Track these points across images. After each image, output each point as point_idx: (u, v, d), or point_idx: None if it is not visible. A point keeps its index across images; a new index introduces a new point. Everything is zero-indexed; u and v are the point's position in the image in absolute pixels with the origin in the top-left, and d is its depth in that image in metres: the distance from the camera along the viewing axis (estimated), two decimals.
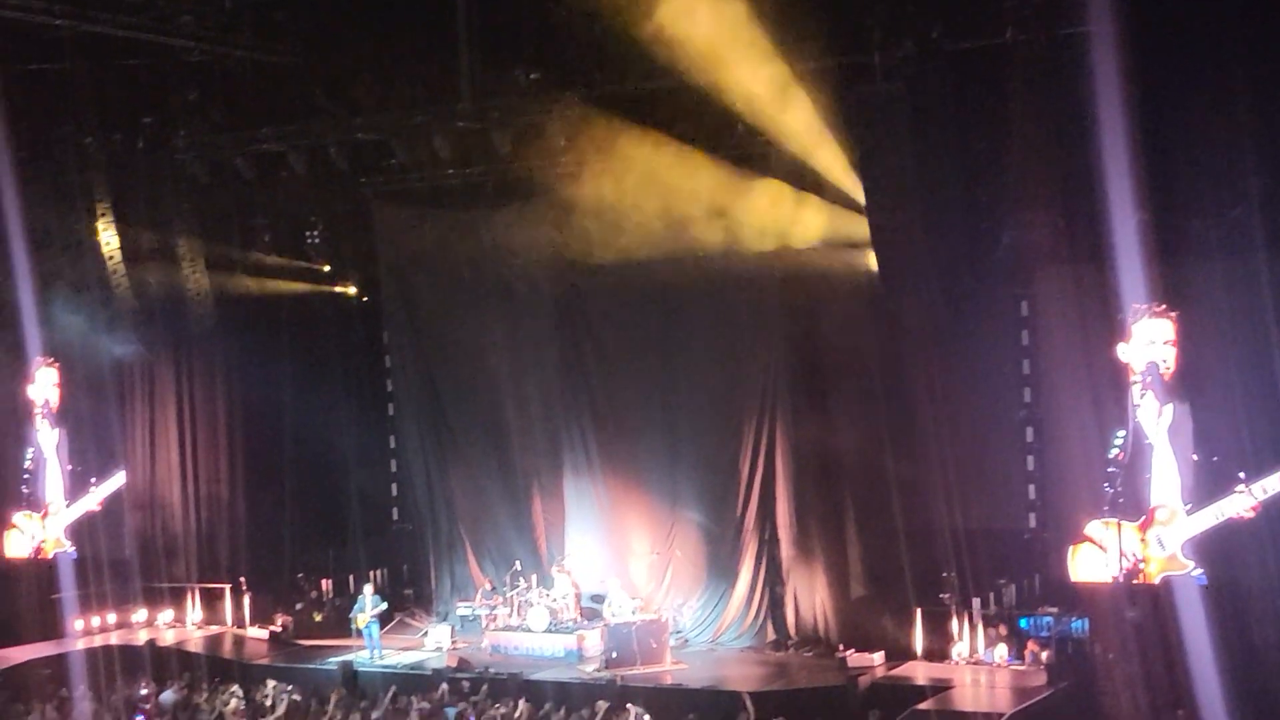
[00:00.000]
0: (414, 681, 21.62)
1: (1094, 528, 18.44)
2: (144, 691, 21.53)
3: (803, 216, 22.05)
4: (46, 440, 26.36)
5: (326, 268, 28.54)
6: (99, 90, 23.51)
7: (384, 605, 23.99)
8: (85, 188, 24.56)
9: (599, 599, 23.91)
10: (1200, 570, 17.89)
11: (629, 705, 18.69)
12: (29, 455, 26.25)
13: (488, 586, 25.11)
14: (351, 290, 29.01)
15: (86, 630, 25.26)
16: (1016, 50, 18.51)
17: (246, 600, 26.38)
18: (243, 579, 26.65)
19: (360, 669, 22.45)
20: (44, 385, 26.12)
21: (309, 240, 27.93)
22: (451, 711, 19.00)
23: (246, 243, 27.28)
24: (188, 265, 25.51)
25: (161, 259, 25.29)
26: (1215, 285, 18.30)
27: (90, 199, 24.54)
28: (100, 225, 24.59)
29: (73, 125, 24.13)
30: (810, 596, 23.04)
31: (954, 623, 20.78)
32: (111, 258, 24.72)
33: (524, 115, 22.30)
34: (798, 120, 20.54)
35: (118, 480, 26.82)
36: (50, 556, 25.85)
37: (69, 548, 25.99)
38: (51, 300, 24.81)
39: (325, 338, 28.39)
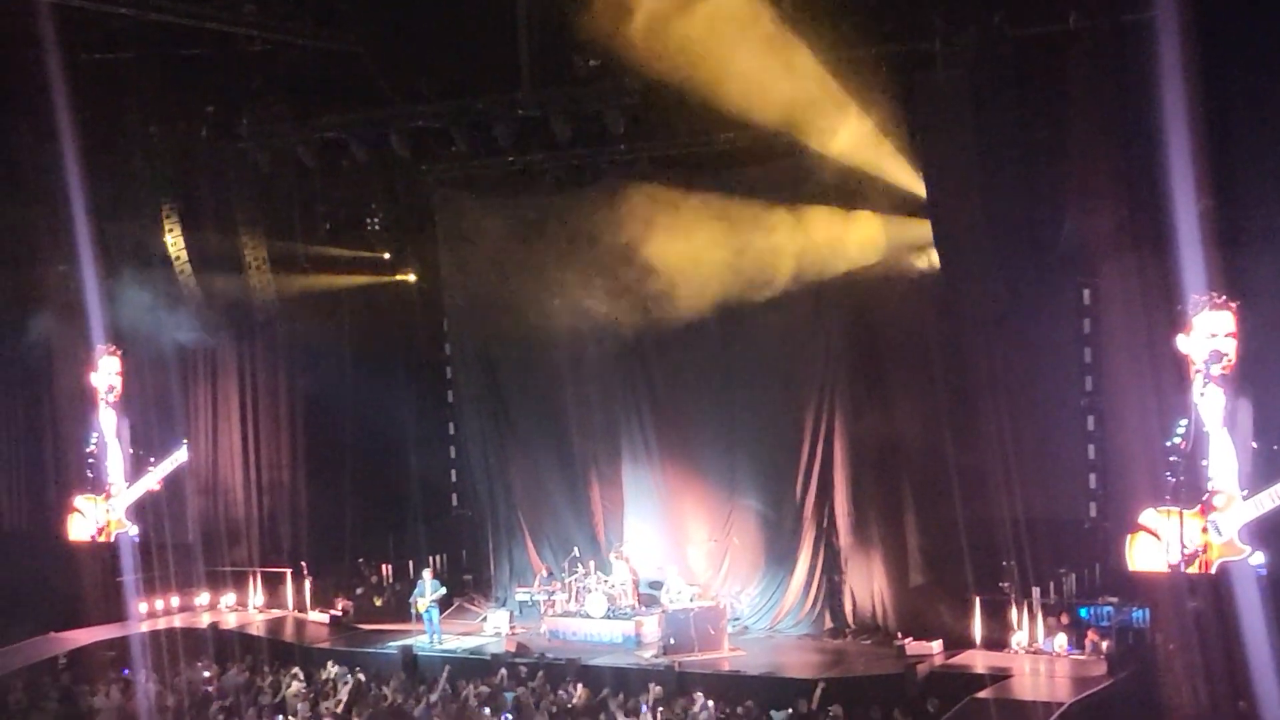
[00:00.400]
0: (473, 666, 21.81)
1: (1150, 516, 18.24)
2: (206, 674, 21.83)
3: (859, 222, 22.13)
4: (109, 425, 26.61)
5: (387, 255, 28.69)
6: (163, 80, 23.78)
7: (443, 590, 24.19)
8: (149, 177, 24.86)
9: (657, 585, 23.99)
10: (1260, 556, 17.64)
11: (696, 694, 18.73)
12: (92, 440, 26.49)
13: (545, 572, 25.22)
14: (412, 278, 29.13)
15: (150, 613, 25.59)
16: (1079, 37, 18.40)
17: (308, 584, 26.68)
18: (304, 563, 26.95)
19: (420, 653, 22.63)
20: (107, 372, 26.32)
21: (370, 228, 28.15)
22: (509, 696, 19.12)
23: (308, 231, 27.50)
24: (250, 254, 25.73)
25: (224, 248, 25.46)
26: (1277, 275, 18.09)
27: (154, 189, 24.81)
28: (165, 214, 24.84)
29: (138, 114, 24.39)
30: (868, 584, 23.00)
31: (1013, 612, 20.69)
32: (176, 246, 24.97)
33: (584, 103, 22.31)
34: (856, 119, 20.45)
35: (179, 457, 27.07)
36: (113, 539, 26.08)
37: (131, 530, 26.23)
38: (116, 288, 25.05)
39: (386, 325, 28.56)
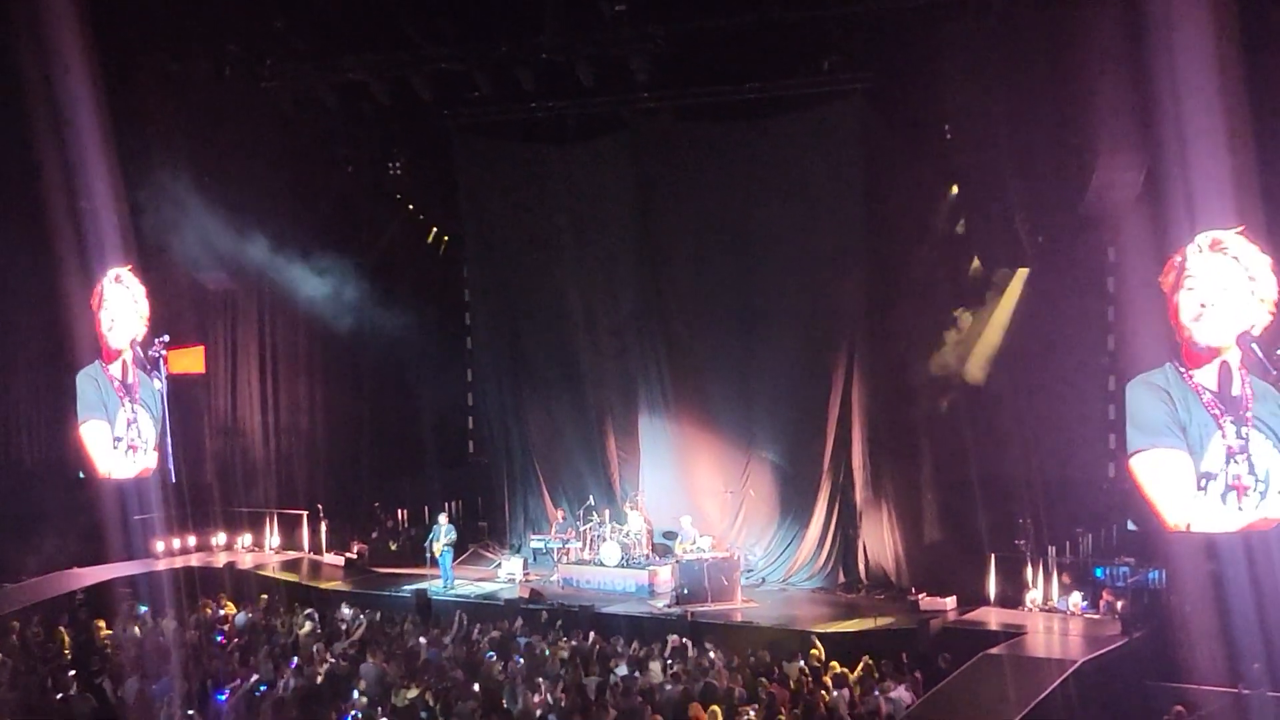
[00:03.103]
0: (486, 611, 21.85)
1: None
2: (221, 612, 21.92)
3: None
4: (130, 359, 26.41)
5: (409, 201, 28.58)
6: (186, 17, 23.60)
7: (455, 535, 24.22)
8: (173, 115, 24.74)
9: (671, 535, 24.02)
10: None
11: (706, 644, 18.70)
12: (113, 376, 26.34)
13: (560, 520, 25.25)
14: (432, 224, 29.06)
15: (167, 551, 25.70)
16: None
17: (323, 527, 26.75)
18: (320, 506, 27.00)
19: (434, 597, 22.69)
20: (125, 303, 26.05)
21: (391, 172, 28.00)
22: (522, 641, 19.13)
23: (329, 173, 27.44)
24: (273, 196, 25.63)
25: (246, 187, 25.34)
26: None
27: (177, 126, 24.70)
28: (187, 153, 24.71)
29: (161, 52, 24.25)
30: (883, 540, 22.98)
31: (1028, 570, 20.61)
32: (199, 185, 24.84)
33: (608, 47, 22.12)
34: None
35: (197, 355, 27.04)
36: (133, 476, 26.08)
37: (152, 468, 26.17)
38: (138, 223, 24.90)
39: (405, 271, 28.54)
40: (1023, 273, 21.56)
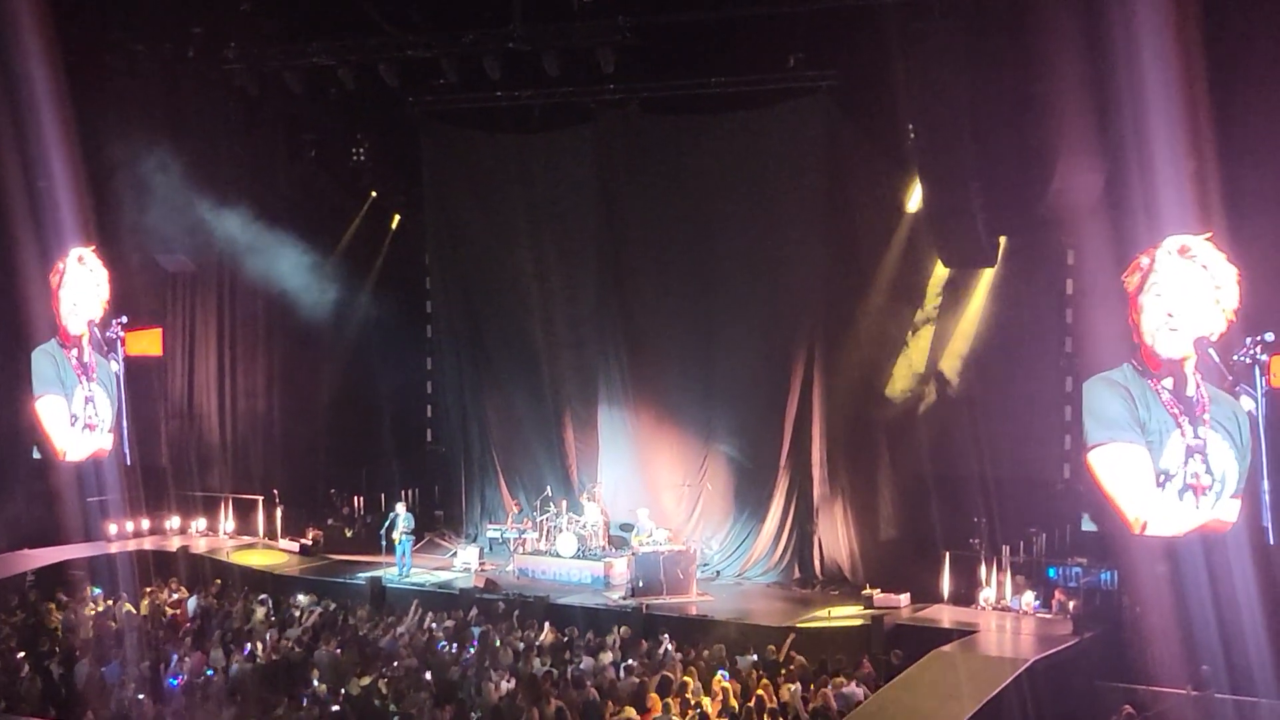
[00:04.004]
0: (441, 600, 21.86)
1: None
2: (174, 596, 21.83)
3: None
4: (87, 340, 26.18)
5: (371, 188, 28.47)
6: None
7: (413, 523, 24.16)
8: (135, 96, 24.52)
9: (628, 528, 24.01)
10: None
11: (663, 636, 18.73)
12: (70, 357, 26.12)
13: (517, 510, 25.23)
14: (395, 210, 28.98)
15: (121, 534, 25.54)
16: None
17: (279, 513, 26.65)
18: (276, 491, 26.90)
19: (388, 585, 22.65)
20: (87, 285, 25.81)
21: (355, 158, 27.88)
22: (477, 630, 19.13)
23: (293, 159, 27.29)
24: (234, 180, 25.47)
25: (207, 170, 25.15)
26: (1269, 238, 17.99)
27: (139, 107, 24.49)
28: (149, 134, 24.49)
29: (124, 32, 24.04)
30: (839, 536, 23.05)
31: (982, 568, 20.73)
32: (160, 166, 24.63)
33: (575, 38, 22.09)
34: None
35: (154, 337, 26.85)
36: (87, 458, 25.87)
37: (108, 449, 25.96)
38: (97, 204, 24.67)
39: (366, 257, 28.46)
40: (985, 273, 21.65)
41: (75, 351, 25.75)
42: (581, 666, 17.03)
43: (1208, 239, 17.17)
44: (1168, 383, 17.72)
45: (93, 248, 25.07)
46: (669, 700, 15.03)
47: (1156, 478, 17.78)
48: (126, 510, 25.86)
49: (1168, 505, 17.73)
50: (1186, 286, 17.41)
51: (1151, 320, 17.70)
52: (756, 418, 23.82)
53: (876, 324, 22.74)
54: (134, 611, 20.22)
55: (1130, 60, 17.01)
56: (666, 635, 18.84)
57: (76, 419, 25.66)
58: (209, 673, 16.79)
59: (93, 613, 20.36)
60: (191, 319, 28.22)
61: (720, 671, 16.64)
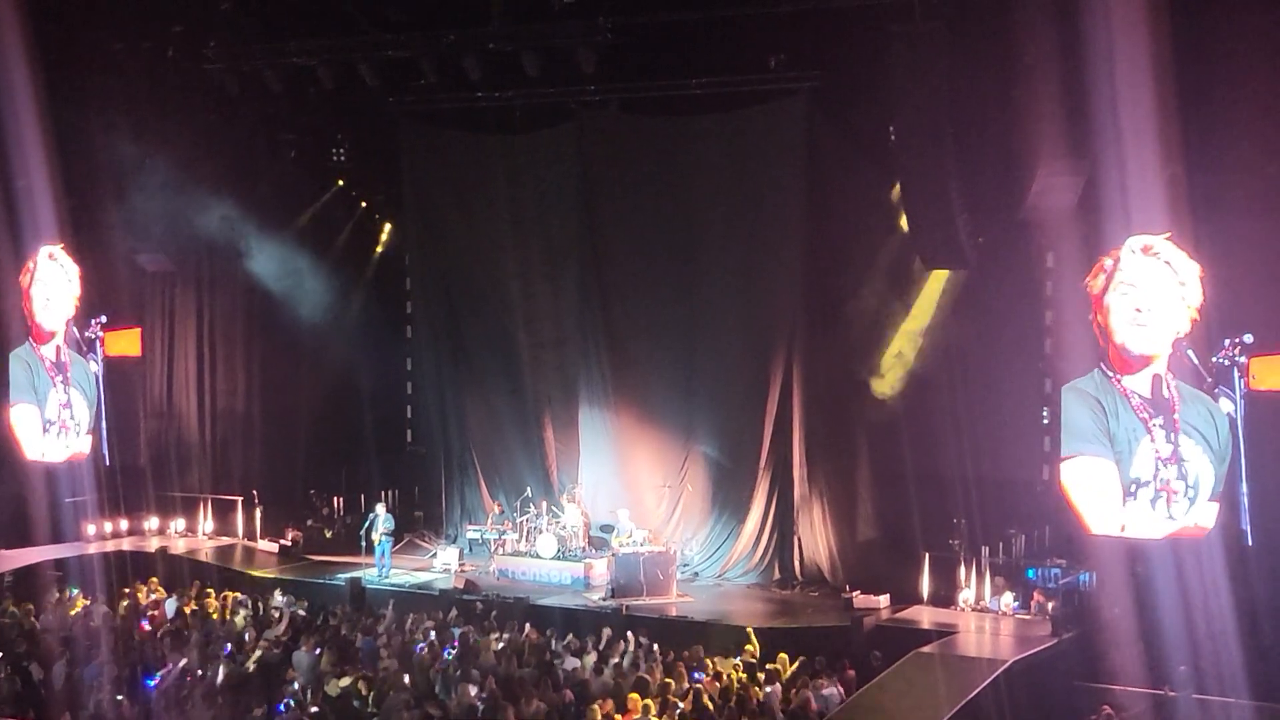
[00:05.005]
0: (421, 601, 21.82)
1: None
2: (153, 597, 21.73)
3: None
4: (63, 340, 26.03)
5: (351, 187, 28.42)
6: None
7: (393, 524, 24.12)
8: (114, 94, 24.43)
9: (608, 529, 24.03)
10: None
11: (641, 638, 18.70)
12: (44, 357, 25.97)
13: (497, 511, 25.20)
14: (375, 210, 28.93)
15: (99, 535, 25.45)
16: None
17: (258, 513, 26.59)
18: (255, 492, 26.85)
19: (368, 586, 22.60)
20: (59, 282, 25.64)
21: (335, 158, 27.82)
22: (457, 631, 19.08)
23: (272, 158, 27.22)
24: (214, 179, 25.38)
25: (186, 168, 25.08)
26: (1248, 243, 18.06)
27: (117, 105, 24.39)
28: (127, 133, 24.41)
29: (103, 31, 23.92)
30: (819, 537, 23.08)
31: (961, 569, 20.78)
32: (139, 165, 24.55)
33: (555, 39, 22.07)
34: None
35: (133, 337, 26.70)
36: (65, 460, 25.73)
37: (86, 451, 25.83)
38: (75, 202, 24.54)
39: (347, 258, 28.40)
40: (964, 275, 21.68)
41: (53, 351, 25.56)
42: (563, 667, 17.01)
43: (1167, 238, 17.17)
44: (1138, 385, 17.65)
45: (62, 245, 24.86)
46: (649, 701, 15.01)
47: (1127, 487, 17.65)
48: (105, 511, 25.78)
49: (1140, 514, 17.64)
50: (1153, 282, 17.33)
51: (1119, 318, 17.60)
52: (737, 419, 23.83)
53: (856, 325, 22.75)
54: (112, 612, 20.12)
55: (1107, 65, 17.07)
56: (646, 636, 18.82)
57: (52, 424, 25.47)
58: (187, 674, 16.71)
59: (70, 614, 20.25)
60: (171, 319, 28.15)
61: (698, 673, 16.63)
